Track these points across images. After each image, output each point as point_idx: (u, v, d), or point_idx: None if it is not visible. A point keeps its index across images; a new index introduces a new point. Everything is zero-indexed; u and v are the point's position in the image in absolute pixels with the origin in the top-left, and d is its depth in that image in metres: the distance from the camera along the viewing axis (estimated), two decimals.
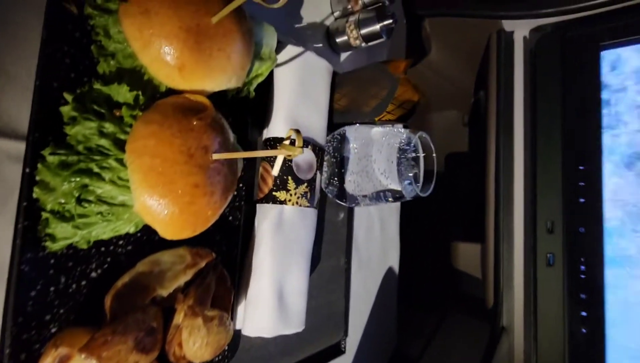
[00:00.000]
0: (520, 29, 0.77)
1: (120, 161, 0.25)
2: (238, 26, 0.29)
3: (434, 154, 0.45)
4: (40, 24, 0.27)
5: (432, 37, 0.95)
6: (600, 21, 0.64)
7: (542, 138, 0.69)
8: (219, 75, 0.28)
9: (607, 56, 0.64)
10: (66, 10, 0.27)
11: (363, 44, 0.51)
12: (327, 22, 0.53)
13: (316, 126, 0.44)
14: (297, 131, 0.26)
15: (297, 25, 0.49)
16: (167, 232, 0.27)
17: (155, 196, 0.25)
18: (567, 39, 0.67)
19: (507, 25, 0.79)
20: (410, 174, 0.44)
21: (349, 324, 0.60)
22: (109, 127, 0.25)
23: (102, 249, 0.29)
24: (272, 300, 0.39)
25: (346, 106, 0.51)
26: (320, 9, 0.52)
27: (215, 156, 0.27)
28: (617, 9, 0.63)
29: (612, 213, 0.61)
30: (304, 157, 0.42)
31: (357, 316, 0.64)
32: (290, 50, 0.41)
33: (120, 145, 0.25)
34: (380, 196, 0.48)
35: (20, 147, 0.27)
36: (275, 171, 0.37)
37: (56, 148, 0.24)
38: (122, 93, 0.26)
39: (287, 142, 0.32)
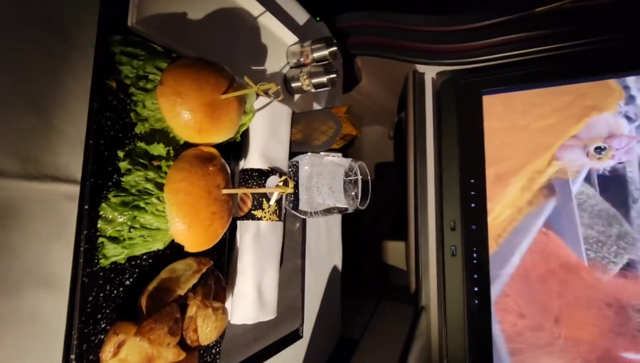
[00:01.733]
0: (429, 72, 0.98)
1: (158, 198, 0.35)
2: (237, 97, 0.40)
3: (369, 178, 0.61)
4: (84, 94, 0.36)
5: (362, 70, 1.14)
6: (482, 74, 0.87)
7: (445, 157, 0.90)
8: (224, 132, 0.40)
9: (487, 99, 0.87)
10: (107, 86, 0.36)
11: (312, 90, 0.65)
12: (284, 71, 0.66)
13: (281, 158, 0.57)
14: (296, 169, 0.38)
15: (261, 74, 0.62)
16: (192, 247, 0.37)
17: (187, 222, 0.35)
18: (460, 84, 0.89)
19: (420, 67, 1.00)
20: (353, 193, 0.59)
21: (304, 314, 0.73)
22: (151, 174, 0.35)
23: (133, 263, 0.38)
24: (254, 295, 0.50)
25: (301, 139, 0.64)
26: (279, 60, 0.65)
27: (224, 191, 0.39)
28: (493, 65, 0.86)
29: (491, 215, 0.84)
30: (274, 182, 0.54)
31: (310, 306, 0.77)
32: (261, 100, 0.53)
33: (159, 186, 0.35)
34: (328, 209, 0.62)
35: (73, 189, 0.35)
36: (272, 201, 0.49)
37: (118, 192, 0.33)
38: (158, 149, 0.36)
39: (281, 183, 0.44)
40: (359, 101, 1.26)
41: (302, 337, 0.70)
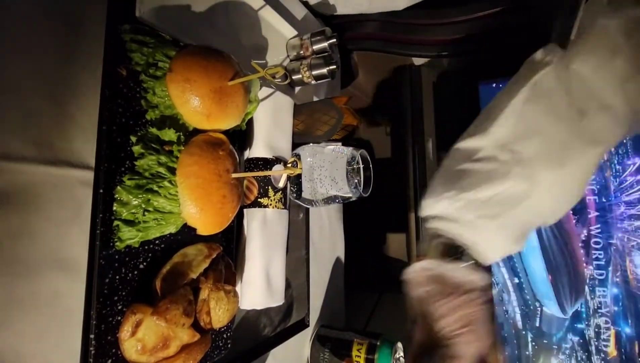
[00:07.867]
0: (425, 64, 1.00)
1: (171, 182, 0.36)
2: (243, 84, 0.42)
3: (371, 165, 0.62)
4: (96, 82, 0.37)
5: (359, 65, 1.16)
6: (477, 65, 0.89)
7: (443, 148, 0.92)
8: (231, 119, 0.41)
9: (483, 88, 0.89)
10: (118, 74, 0.37)
11: (313, 82, 0.67)
12: (284, 64, 0.67)
13: (285, 147, 0.58)
14: (299, 158, 0.39)
15: (262, 66, 0.63)
16: (204, 229, 0.38)
17: (199, 205, 0.36)
18: (457, 75, 0.91)
19: (416, 60, 1.01)
20: (355, 181, 0.60)
21: (309, 303, 0.74)
22: (163, 158, 0.36)
23: (146, 247, 0.39)
24: (262, 281, 0.51)
25: (303, 130, 0.65)
26: (279, 53, 0.66)
27: (234, 175, 0.40)
28: (488, 58, 0.88)
29: None
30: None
31: (315, 297, 0.78)
32: (265, 90, 0.55)
33: (171, 170, 0.36)
34: (331, 197, 0.63)
35: (86, 174, 0.36)
36: (281, 184, 0.51)
37: (132, 175, 0.34)
38: (169, 134, 0.37)
39: (290, 165, 0.45)
40: (357, 97, 1.27)
41: (308, 325, 0.71)
